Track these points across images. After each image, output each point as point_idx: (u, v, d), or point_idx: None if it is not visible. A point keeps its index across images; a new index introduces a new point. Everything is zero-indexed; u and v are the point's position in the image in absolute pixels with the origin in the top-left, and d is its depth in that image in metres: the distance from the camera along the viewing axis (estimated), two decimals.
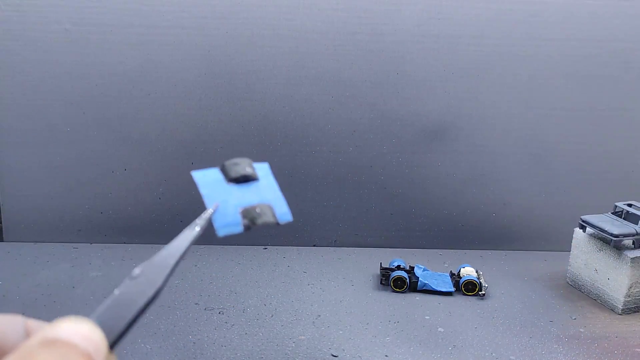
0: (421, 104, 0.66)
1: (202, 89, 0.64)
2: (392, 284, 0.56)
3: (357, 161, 0.67)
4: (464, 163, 0.68)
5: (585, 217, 0.57)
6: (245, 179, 0.31)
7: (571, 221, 0.60)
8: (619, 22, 0.64)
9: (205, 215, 0.29)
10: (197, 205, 0.74)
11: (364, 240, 0.69)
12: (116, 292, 0.23)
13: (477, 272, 0.58)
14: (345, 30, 0.63)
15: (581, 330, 0.51)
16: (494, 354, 0.46)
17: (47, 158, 0.65)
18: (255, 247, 0.67)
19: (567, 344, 0.48)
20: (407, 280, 0.56)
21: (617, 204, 0.58)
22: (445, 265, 0.64)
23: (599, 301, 0.56)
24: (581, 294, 0.58)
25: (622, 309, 0.54)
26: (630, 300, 0.54)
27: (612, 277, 0.55)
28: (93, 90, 0.64)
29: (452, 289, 0.56)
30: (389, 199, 0.69)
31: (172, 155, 0.66)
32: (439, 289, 0.56)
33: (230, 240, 0.68)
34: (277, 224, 0.30)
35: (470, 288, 0.56)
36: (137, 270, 0.23)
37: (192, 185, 0.74)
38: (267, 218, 0.30)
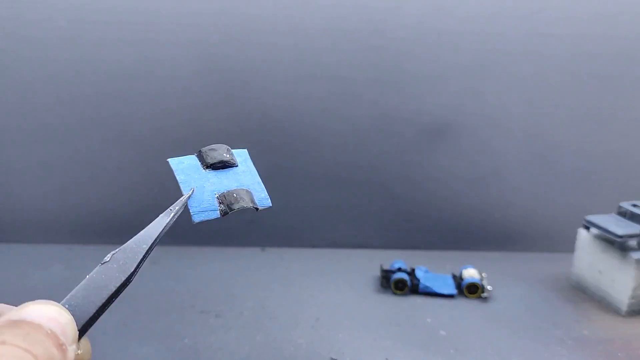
0: (423, 102, 0.65)
1: (199, 86, 0.63)
2: (393, 286, 0.56)
3: (357, 160, 0.66)
4: (466, 162, 0.67)
5: (590, 218, 0.57)
6: (222, 165, 0.31)
7: (575, 222, 0.60)
8: (624, 19, 0.64)
9: (180, 201, 0.29)
10: None
11: (364, 241, 0.68)
12: (87, 277, 0.22)
13: (480, 274, 0.57)
14: (345, 27, 0.62)
15: (585, 332, 0.50)
16: (496, 357, 0.46)
17: (40, 157, 0.64)
18: (252, 248, 0.66)
19: (570, 346, 0.48)
20: (409, 283, 0.55)
21: (621, 204, 0.57)
22: (447, 267, 0.63)
23: (603, 303, 0.56)
24: (585, 295, 0.58)
25: (627, 311, 0.53)
26: (635, 302, 0.53)
27: (616, 278, 0.54)
28: (88, 88, 0.63)
29: (455, 292, 0.56)
30: (389, 199, 0.68)
31: (168, 155, 0.65)
32: (440, 291, 0.55)
33: (227, 241, 0.67)
34: (256, 209, 0.30)
35: (473, 290, 0.55)
36: (108, 256, 0.24)
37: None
38: (245, 203, 0.29)
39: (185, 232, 0.66)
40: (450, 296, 0.56)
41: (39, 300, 0.19)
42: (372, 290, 0.57)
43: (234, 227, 0.67)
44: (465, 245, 0.69)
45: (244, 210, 0.29)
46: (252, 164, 0.33)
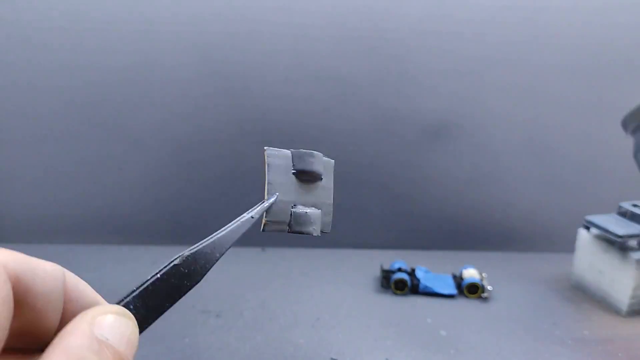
0: (423, 102, 0.65)
1: (199, 87, 0.63)
2: (393, 286, 0.56)
3: (357, 161, 0.66)
4: (466, 163, 0.67)
5: (590, 218, 0.57)
6: (311, 176, 0.29)
7: (575, 222, 0.60)
8: (624, 19, 0.64)
9: (262, 206, 0.26)
10: (193, 204, 0.73)
11: (364, 241, 0.68)
12: (157, 276, 0.21)
13: (480, 274, 0.57)
14: (345, 28, 0.62)
15: (585, 332, 0.50)
16: (496, 357, 0.46)
17: (40, 157, 0.64)
18: (253, 248, 0.66)
19: (571, 346, 0.47)
20: (409, 283, 0.55)
21: (621, 204, 0.57)
22: (448, 267, 0.63)
23: (603, 303, 0.56)
24: (585, 295, 0.58)
25: (627, 311, 0.53)
26: (635, 302, 0.53)
27: (616, 278, 0.54)
28: (88, 89, 0.63)
29: (455, 292, 0.56)
30: (390, 199, 0.68)
31: (167, 155, 0.65)
32: (441, 291, 0.55)
33: None
34: (317, 235, 0.28)
35: (473, 290, 0.55)
36: (177, 258, 0.22)
37: (189, 185, 0.73)
38: (312, 230, 0.28)
39: (186, 232, 0.66)
40: (451, 296, 0.56)
41: (116, 308, 0.18)
42: (372, 290, 0.57)
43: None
44: (466, 245, 0.69)
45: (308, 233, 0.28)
46: (332, 178, 0.32)
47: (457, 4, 0.62)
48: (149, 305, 0.20)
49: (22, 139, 0.64)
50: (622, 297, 0.53)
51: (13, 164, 0.64)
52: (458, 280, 0.57)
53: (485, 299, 0.55)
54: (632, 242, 0.53)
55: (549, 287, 0.59)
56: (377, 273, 0.60)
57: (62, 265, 0.21)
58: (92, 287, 0.21)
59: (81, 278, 0.23)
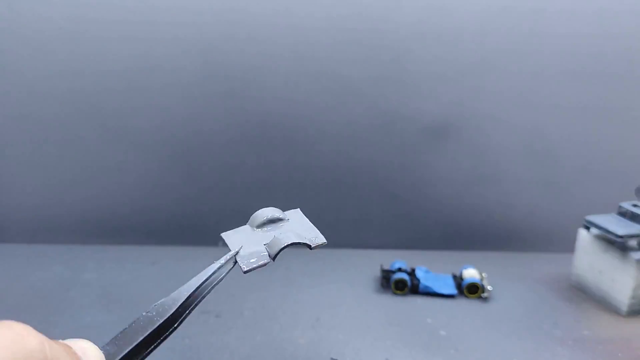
0: (422, 103, 0.65)
1: (199, 87, 0.63)
2: (393, 286, 0.56)
3: (357, 161, 0.66)
4: (466, 163, 0.67)
5: (590, 218, 0.57)
6: (271, 222, 0.31)
7: (575, 222, 0.60)
8: (625, 18, 0.64)
9: (227, 256, 0.28)
10: (193, 205, 0.73)
11: (364, 241, 0.68)
12: (131, 323, 0.24)
13: (480, 274, 0.57)
14: (345, 30, 0.62)
15: (585, 332, 0.50)
16: (497, 358, 0.46)
17: (40, 157, 0.64)
18: None
19: (571, 346, 0.47)
20: (409, 283, 0.55)
21: (621, 204, 0.57)
22: (448, 267, 0.63)
23: (603, 303, 0.56)
24: (585, 295, 0.57)
25: (627, 311, 0.53)
26: (636, 302, 0.53)
27: (617, 278, 0.54)
28: (87, 89, 0.63)
29: (455, 292, 0.55)
30: (390, 199, 0.68)
31: (167, 155, 0.65)
32: (441, 291, 0.55)
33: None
34: (309, 246, 0.29)
35: (473, 290, 0.55)
36: (150, 308, 0.25)
37: (189, 186, 0.73)
38: (294, 239, 0.29)
39: (186, 232, 0.66)
40: (451, 296, 0.56)
41: (83, 340, 0.21)
42: (372, 290, 0.57)
43: (234, 227, 0.66)
44: (466, 245, 0.69)
45: (296, 245, 0.29)
46: (306, 218, 0.32)
47: (456, 6, 0.62)
48: (123, 342, 0.23)
49: (23, 140, 0.64)
50: (622, 297, 0.53)
51: (14, 166, 0.64)
52: (458, 280, 0.57)
53: (486, 299, 0.55)
54: (632, 242, 0.53)
55: (549, 287, 0.59)
56: (377, 273, 0.60)
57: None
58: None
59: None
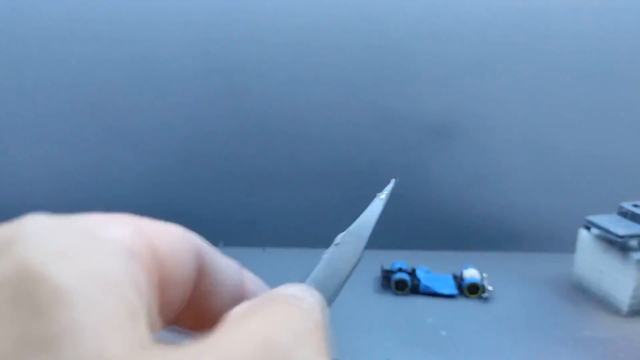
0: (423, 102, 0.65)
1: (200, 86, 0.63)
2: (394, 286, 0.55)
3: (357, 160, 0.66)
4: (467, 163, 0.67)
5: (591, 218, 0.57)
6: None
7: (576, 222, 0.59)
8: (627, 18, 0.64)
9: (388, 187, 0.28)
10: (195, 205, 0.73)
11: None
12: (324, 257, 0.23)
13: (480, 274, 0.57)
14: (346, 28, 0.62)
15: (586, 332, 0.50)
16: (497, 358, 0.45)
17: (41, 157, 0.64)
18: (253, 248, 0.66)
19: (571, 347, 0.47)
20: (409, 283, 0.55)
21: (622, 204, 0.57)
22: (448, 267, 0.63)
23: (604, 303, 0.55)
24: (586, 296, 0.57)
25: (628, 311, 0.53)
26: (636, 302, 0.53)
27: (617, 278, 0.54)
28: (89, 89, 0.63)
29: (455, 292, 0.55)
30: (390, 199, 0.67)
31: (169, 155, 0.65)
32: (441, 291, 0.55)
33: (227, 241, 0.67)
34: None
35: (474, 291, 0.55)
36: (338, 238, 0.24)
37: (191, 185, 0.73)
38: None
39: None
40: (451, 296, 0.56)
41: (296, 284, 0.20)
42: (372, 290, 0.57)
43: (234, 227, 0.66)
44: (466, 245, 0.69)
45: None
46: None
47: (457, 4, 0.62)
48: (327, 282, 0.22)
49: (22, 138, 0.64)
50: (623, 297, 0.53)
51: (14, 164, 0.64)
52: (459, 280, 0.57)
53: (486, 299, 0.55)
54: (633, 242, 0.53)
55: (549, 287, 0.59)
56: (377, 273, 0.60)
57: None
58: None
59: None
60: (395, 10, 0.62)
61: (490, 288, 0.56)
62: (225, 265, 0.20)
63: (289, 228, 0.67)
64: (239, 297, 0.21)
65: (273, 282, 0.61)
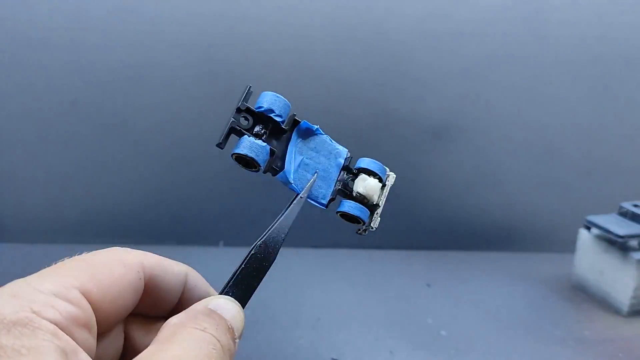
0: (423, 103, 0.65)
1: (200, 87, 0.63)
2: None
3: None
4: (467, 163, 0.67)
5: (591, 218, 0.57)
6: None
7: (576, 222, 0.60)
8: (626, 20, 0.64)
9: (308, 187, 0.31)
10: (194, 205, 0.73)
11: (364, 241, 0.68)
12: (242, 266, 0.27)
13: (383, 183, 0.34)
14: (346, 28, 0.62)
15: (586, 332, 0.50)
16: (497, 358, 0.46)
17: (41, 158, 0.64)
18: None
19: (572, 347, 0.48)
20: (261, 162, 0.30)
21: (622, 204, 0.57)
22: (449, 267, 0.63)
23: (604, 303, 0.56)
24: (586, 296, 0.57)
25: (628, 311, 0.53)
26: (636, 302, 0.53)
27: (617, 278, 0.54)
28: (88, 89, 0.63)
29: (325, 202, 0.33)
30: (390, 199, 0.67)
31: (169, 155, 0.65)
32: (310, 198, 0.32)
33: (228, 241, 0.67)
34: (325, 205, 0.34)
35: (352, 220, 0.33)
36: (253, 248, 0.27)
37: (190, 185, 0.73)
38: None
39: (186, 232, 0.66)
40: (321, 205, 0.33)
41: (222, 296, 0.25)
42: (372, 290, 0.57)
43: (234, 227, 0.66)
44: (466, 245, 0.69)
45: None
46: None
47: (457, 3, 0.62)
48: (242, 289, 0.26)
49: (22, 139, 0.64)
50: (623, 297, 0.53)
51: (14, 165, 0.64)
52: (346, 187, 0.33)
53: (362, 234, 0.33)
54: (633, 242, 0.53)
55: (549, 287, 0.59)
56: (377, 273, 0.60)
57: None
58: None
59: None
60: (396, 12, 0.62)
61: (373, 228, 0.33)
62: (171, 269, 0.26)
63: (289, 228, 0.67)
64: (182, 297, 0.27)
65: (273, 281, 0.61)
